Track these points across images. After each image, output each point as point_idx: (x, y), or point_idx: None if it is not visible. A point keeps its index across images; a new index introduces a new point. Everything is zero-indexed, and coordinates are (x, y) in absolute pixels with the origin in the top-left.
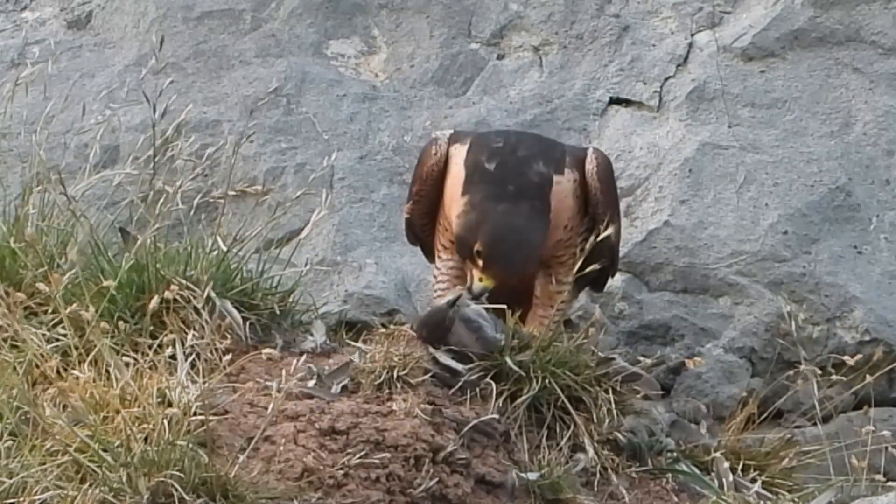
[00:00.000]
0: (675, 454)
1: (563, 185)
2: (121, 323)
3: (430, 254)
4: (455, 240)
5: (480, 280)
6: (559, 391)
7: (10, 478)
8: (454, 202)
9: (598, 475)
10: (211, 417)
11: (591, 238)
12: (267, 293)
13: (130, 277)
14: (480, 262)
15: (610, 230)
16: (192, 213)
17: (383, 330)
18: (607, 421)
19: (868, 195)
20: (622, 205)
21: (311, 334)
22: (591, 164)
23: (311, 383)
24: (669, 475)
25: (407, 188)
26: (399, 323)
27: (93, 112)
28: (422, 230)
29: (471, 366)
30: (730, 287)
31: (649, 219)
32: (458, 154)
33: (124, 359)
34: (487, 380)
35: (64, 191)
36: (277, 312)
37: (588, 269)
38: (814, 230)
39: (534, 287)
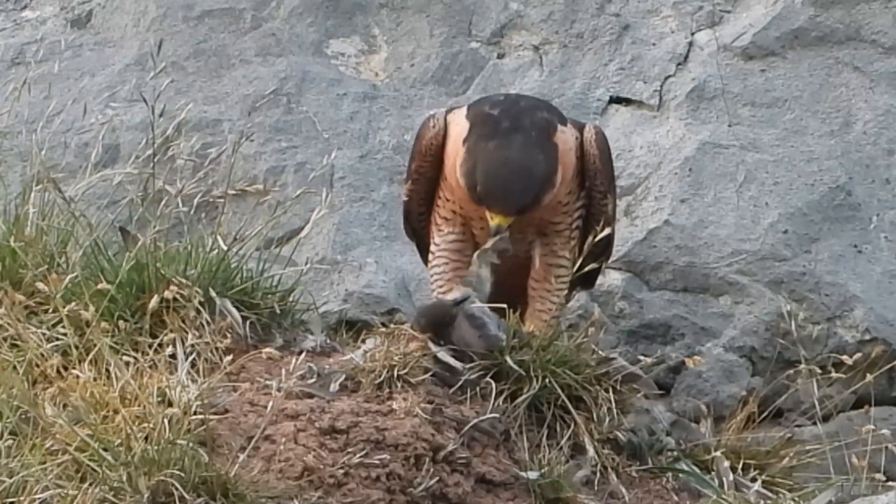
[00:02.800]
0: (675, 453)
1: (568, 135)
2: (121, 322)
3: (425, 252)
4: (466, 190)
5: (492, 220)
6: (559, 390)
7: (11, 477)
8: (457, 154)
9: (598, 474)
10: (211, 416)
11: (590, 238)
12: (267, 292)
13: (130, 277)
14: (484, 205)
15: (609, 207)
16: (192, 212)
17: (383, 329)
18: (607, 420)
19: (868, 194)
20: (622, 203)
21: (311, 333)
22: (589, 134)
23: (311, 382)
24: (670, 474)
25: None
26: (399, 322)
27: (93, 111)
28: (419, 220)
29: (471, 365)
30: (730, 286)
31: (649, 218)
32: (458, 116)
33: (124, 358)
34: (488, 379)
35: (61, 194)
36: (277, 311)
37: (587, 269)
38: (814, 229)
39: (532, 261)
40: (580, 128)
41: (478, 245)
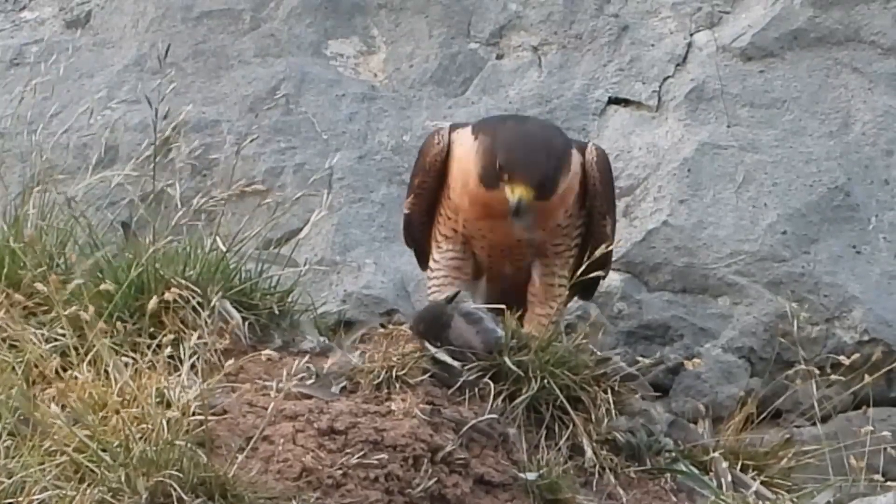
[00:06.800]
0: (673, 454)
1: (574, 158)
2: (120, 323)
3: (423, 259)
4: (481, 177)
5: (513, 192)
6: (558, 391)
7: (9, 478)
8: (465, 172)
9: (596, 475)
10: (210, 417)
11: (594, 251)
12: (266, 293)
13: (130, 278)
14: (506, 176)
15: (608, 228)
16: (191, 212)
17: (381, 330)
18: (606, 421)
19: (867, 195)
20: (621, 204)
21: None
22: (591, 155)
23: (309, 383)
24: (668, 475)
25: (406, 188)
26: (398, 323)
27: (93, 112)
28: (419, 229)
29: (470, 365)
30: (729, 287)
31: (648, 218)
32: (462, 136)
33: (123, 359)
34: (486, 380)
35: (58, 196)
36: (276, 312)
37: (591, 275)
38: (813, 230)
39: (531, 277)
40: (581, 148)
41: (478, 263)
